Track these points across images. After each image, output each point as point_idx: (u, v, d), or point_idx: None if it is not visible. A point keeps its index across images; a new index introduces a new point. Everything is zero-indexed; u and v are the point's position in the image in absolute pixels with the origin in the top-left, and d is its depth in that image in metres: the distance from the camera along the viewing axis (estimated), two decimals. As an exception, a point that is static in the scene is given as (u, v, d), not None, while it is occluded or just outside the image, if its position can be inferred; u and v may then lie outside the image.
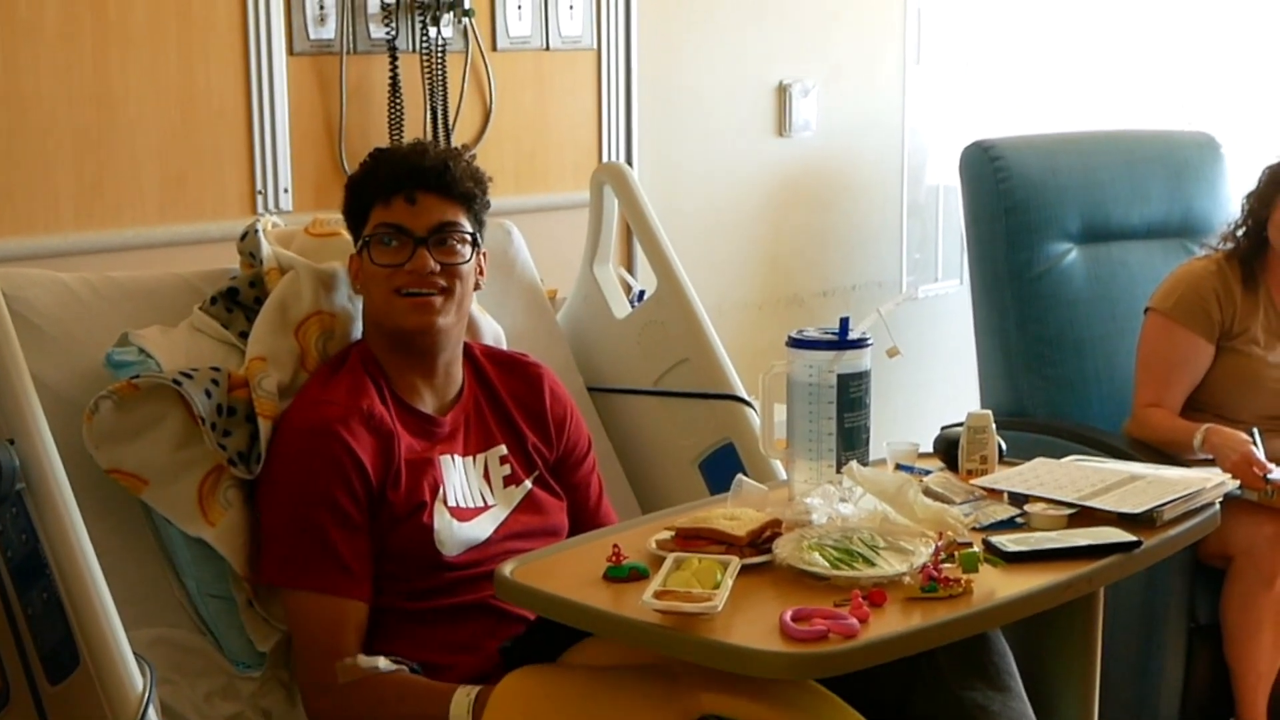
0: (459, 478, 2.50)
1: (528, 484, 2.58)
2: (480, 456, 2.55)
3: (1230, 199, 4.15)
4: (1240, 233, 3.62)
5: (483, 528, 2.49)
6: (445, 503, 2.46)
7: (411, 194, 2.47)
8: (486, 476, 2.55)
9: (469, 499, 2.50)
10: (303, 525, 2.37)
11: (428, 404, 2.53)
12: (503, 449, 2.58)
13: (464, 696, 2.23)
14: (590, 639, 2.17)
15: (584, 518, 2.64)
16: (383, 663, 2.32)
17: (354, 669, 2.31)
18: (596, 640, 2.16)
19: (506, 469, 2.57)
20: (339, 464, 2.36)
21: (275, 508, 2.41)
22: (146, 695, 2.13)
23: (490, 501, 2.53)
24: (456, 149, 2.60)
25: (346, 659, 2.32)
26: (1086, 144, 4.14)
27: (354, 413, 2.41)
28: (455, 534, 2.45)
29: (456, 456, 2.52)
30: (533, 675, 2.17)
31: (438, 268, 2.45)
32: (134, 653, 2.16)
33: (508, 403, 2.62)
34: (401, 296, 2.45)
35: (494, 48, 3.44)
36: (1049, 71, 4.79)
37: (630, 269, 3.62)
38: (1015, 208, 3.91)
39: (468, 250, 2.51)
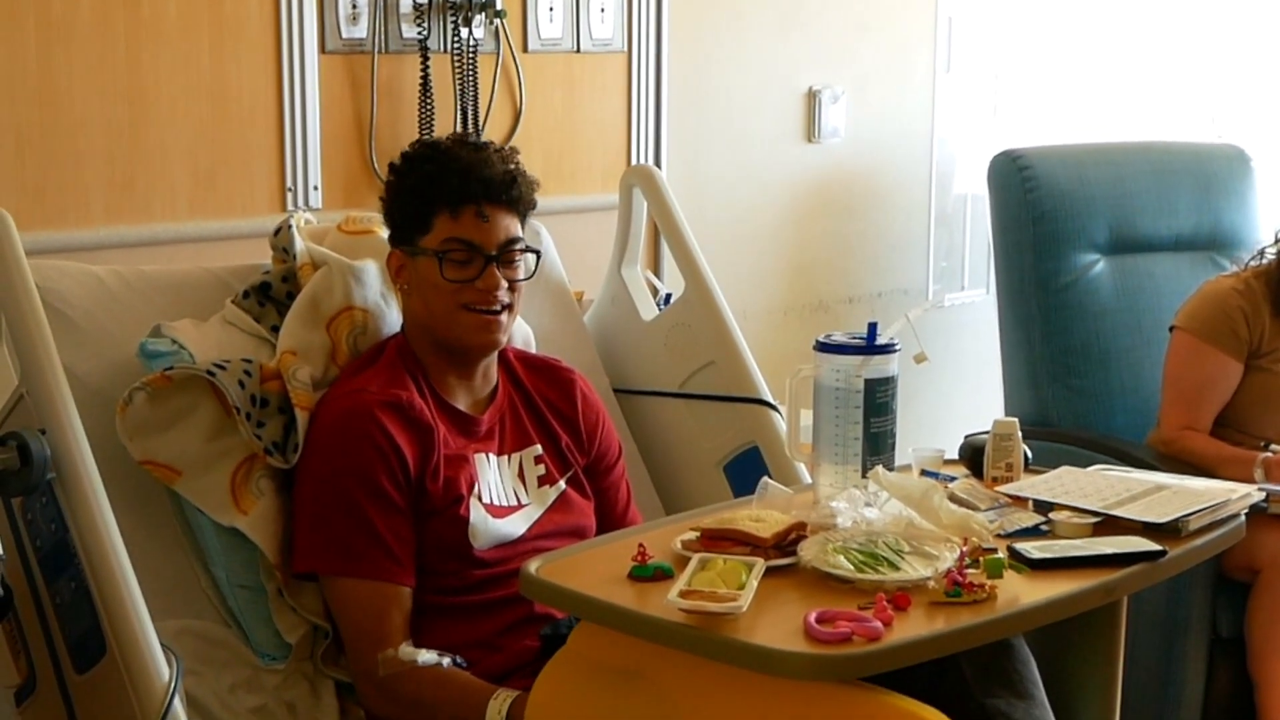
0: (494, 476, 2.51)
1: (562, 484, 2.59)
2: (515, 456, 2.57)
3: (1259, 213, 4.15)
4: (1276, 253, 3.59)
5: (515, 526, 2.50)
6: (480, 499, 2.47)
7: (482, 209, 2.46)
8: (521, 476, 2.56)
9: (503, 497, 2.51)
10: (345, 510, 2.37)
11: (462, 402, 2.55)
12: (538, 449, 2.59)
13: (501, 699, 2.24)
14: None
15: (611, 523, 2.65)
16: (424, 656, 2.31)
17: (395, 661, 2.32)
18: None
19: (541, 469, 2.58)
20: (379, 448, 2.38)
21: (315, 495, 2.41)
22: (172, 685, 2.14)
23: (524, 501, 2.54)
24: (507, 150, 2.58)
25: (388, 650, 2.32)
26: (1115, 155, 4.13)
27: (392, 401, 2.42)
28: (489, 529, 2.46)
29: (492, 455, 2.53)
30: (567, 680, 2.13)
31: (507, 285, 2.47)
32: (160, 643, 2.18)
33: (541, 405, 2.63)
34: (469, 312, 2.46)
35: (525, 49, 3.45)
36: (1079, 82, 4.78)
37: (657, 272, 3.63)
38: (1043, 217, 3.90)
39: (532, 263, 2.53)
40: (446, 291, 2.46)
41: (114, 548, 2.19)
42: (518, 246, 2.50)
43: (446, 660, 2.34)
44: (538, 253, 2.58)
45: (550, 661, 2.14)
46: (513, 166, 2.52)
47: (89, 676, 2.24)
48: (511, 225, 2.50)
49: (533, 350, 2.82)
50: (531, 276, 2.55)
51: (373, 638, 2.35)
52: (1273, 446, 3.38)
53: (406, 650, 2.32)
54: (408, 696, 2.33)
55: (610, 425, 2.73)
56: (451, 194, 2.46)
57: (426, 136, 3.20)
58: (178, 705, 2.14)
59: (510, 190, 2.49)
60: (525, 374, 2.66)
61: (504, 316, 2.48)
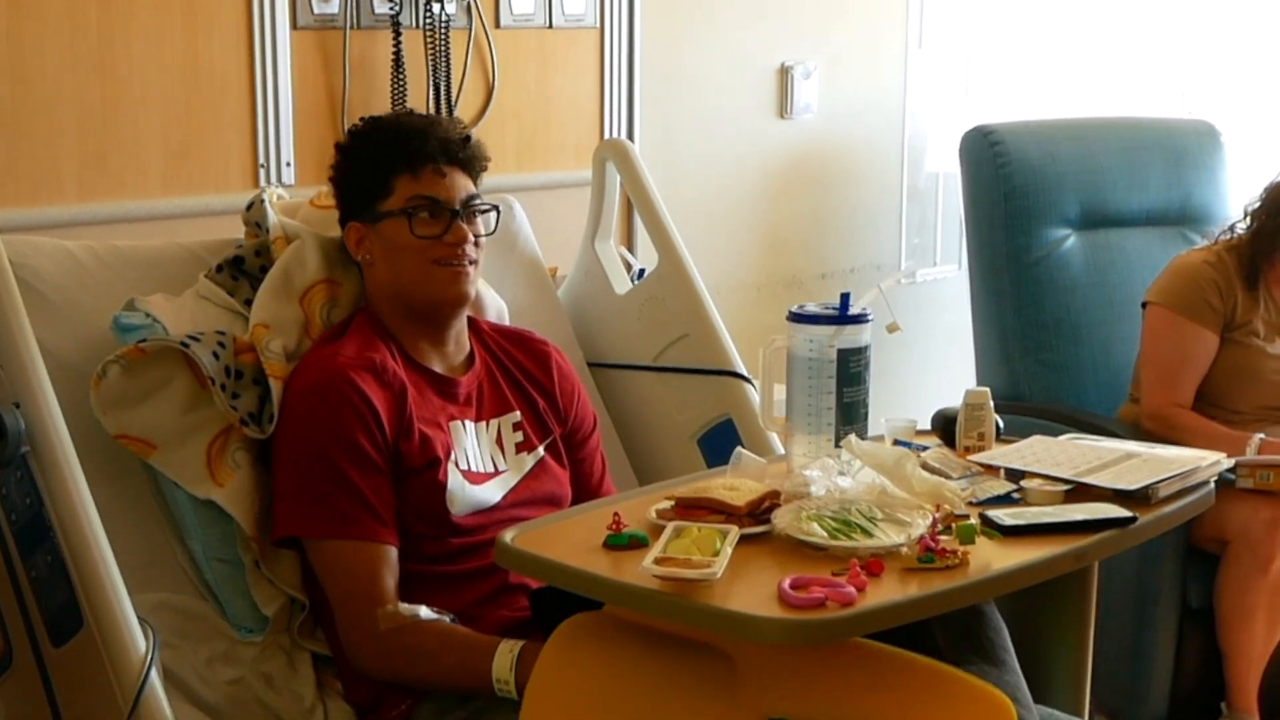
0: (470, 442, 2.52)
1: (540, 450, 2.61)
2: (494, 422, 2.58)
3: (1229, 188, 4.17)
4: (1246, 227, 3.61)
5: (492, 493, 2.51)
6: (458, 465, 2.48)
7: (440, 166, 2.50)
8: (499, 443, 2.57)
9: (480, 464, 2.52)
10: (328, 473, 2.37)
11: (438, 366, 2.56)
12: (516, 415, 2.60)
13: (507, 652, 2.24)
14: None
15: (586, 494, 2.66)
16: (424, 611, 2.32)
17: (396, 616, 2.32)
18: None
19: (520, 435, 2.59)
20: (355, 409, 2.38)
21: (294, 461, 2.41)
22: (149, 659, 2.15)
23: (502, 467, 2.55)
24: (453, 119, 2.63)
25: (388, 606, 2.33)
26: (1086, 130, 4.15)
27: (365, 364, 2.43)
28: (466, 495, 2.47)
29: (468, 422, 2.54)
30: (584, 637, 2.12)
31: (473, 238, 2.50)
32: (137, 616, 2.18)
33: (517, 373, 2.65)
34: (439, 267, 2.48)
35: (497, 25, 3.45)
36: (1050, 58, 4.80)
37: (631, 247, 3.63)
38: (1014, 193, 3.92)
39: (492, 220, 2.58)
40: (415, 250, 2.48)
41: (89, 521, 2.20)
42: (478, 202, 2.54)
43: (448, 617, 2.35)
44: (497, 209, 2.62)
45: (575, 617, 2.12)
46: (463, 128, 2.58)
47: (65, 650, 2.24)
48: (467, 184, 2.54)
49: (506, 324, 2.83)
50: (493, 233, 2.59)
51: (368, 597, 2.34)
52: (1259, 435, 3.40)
53: (406, 607, 2.32)
54: (411, 650, 2.33)
55: (585, 397, 2.74)
56: (411, 155, 2.50)
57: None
58: (154, 678, 2.14)
59: (465, 149, 2.54)
60: (501, 342, 2.67)
61: (471, 270, 2.51)
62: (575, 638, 2.12)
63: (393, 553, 2.39)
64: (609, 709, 2.07)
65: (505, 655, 2.25)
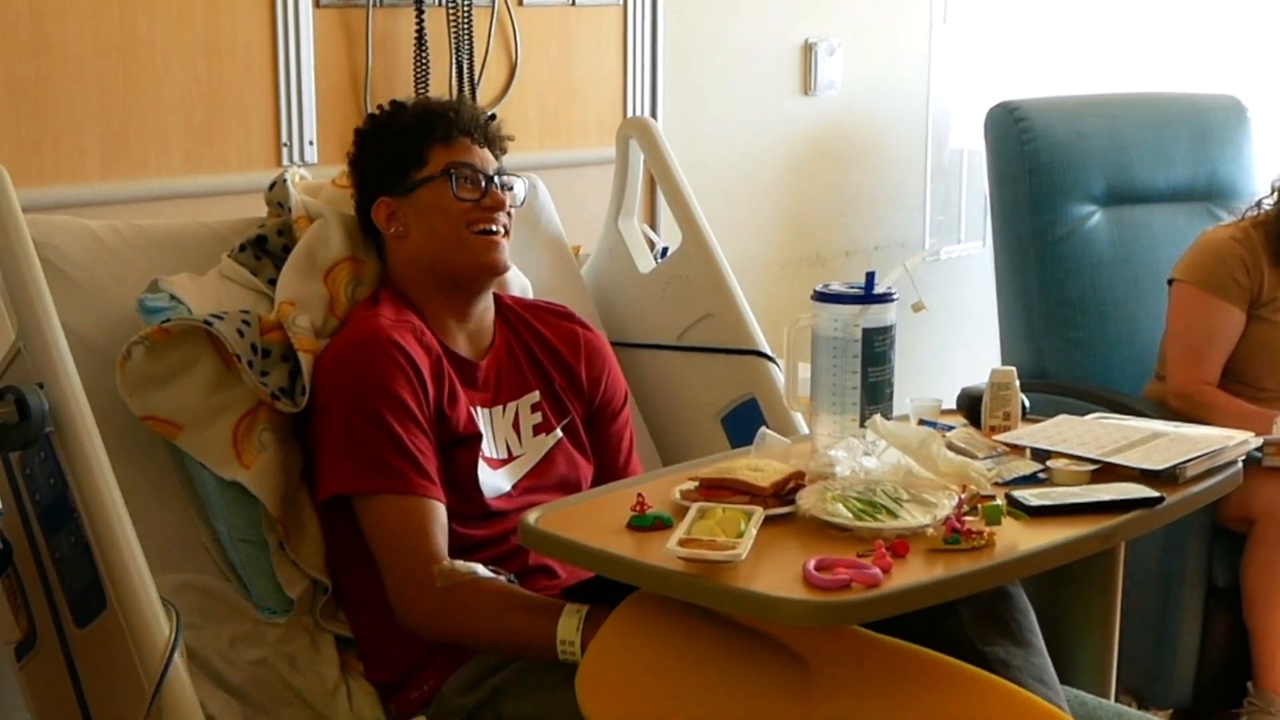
0: (485, 429, 2.51)
1: (558, 431, 2.59)
2: (511, 405, 2.56)
3: (1255, 164, 4.14)
4: (1273, 203, 3.59)
5: (504, 479, 2.50)
6: (482, 451, 2.47)
7: (474, 137, 2.55)
8: (516, 426, 2.56)
9: (494, 450, 2.51)
10: (372, 428, 2.35)
11: (461, 347, 2.55)
12: (535, 395, 2.59)
13: (574, 614, 2.18)
14: None
15: (611, 473, 2.64)
16: (481, 569, 2.28)
17: (453, 574, 2.26)
18: None
19: (538, 417, 2.58)
20: (398, 364, 2.37)
21: (338, 421, 2.39)
22: (172, 639, 2.14)
23: (517, 451, 2.54)
24: (473, 102, 2.70)
25: (445, 563, 2.28)
26: (1112, 106, 4.13)
27: (405, 325, 2.44)
28: (489, 479, 2.46)
29: (483, 409, 2.53)
30: (654, 608, 2.08)
31: (509, 203, 2.53)
32: (161, 597, 2.18)
33: (538, 350, 2.63)
34: (476, 234, 2.50)
35: (520, 3, 3.44)
36: (1075, 33, 4.77)
37: (654, 225, 3.62)
38: (1039, 169, 3.90)
39: (521, 193, 2.60)
40: (455, 214, 2.50)
41: (113, 502, 2.19)
42: (506, 176, 2.58)
43: (505, 576, 2.32)
44: (525, 180, 2.68)
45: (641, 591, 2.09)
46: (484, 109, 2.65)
47: (89, 631, 2.24)
48: (493, 160, 2.58)
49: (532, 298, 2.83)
50: (520, 205, 2.62)
51: (422, 552, 2.30)
52: None
53: (463, 564, 2.28)
54: (470, 607, 2.27)
55: (617, 372, 2.73)
56: (445, 127, 2.53)
57: (423, 91, 3.21)
58: (178, 659, 2.14)
59: (490, 127, 2.59)
60: (525, 316, 2.66)
61: (505, 240, 2.54)
62: (646, 607, 2.09)
63: (443, 510, 2.36)
64: (667, 683, 2.05)
65: (572, 616, 2.18)
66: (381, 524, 2.35)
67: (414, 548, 2.32)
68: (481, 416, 2.52)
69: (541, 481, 2.54)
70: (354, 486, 2.37)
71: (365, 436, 2.35)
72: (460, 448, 2.43)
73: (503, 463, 2.52)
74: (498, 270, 2.54)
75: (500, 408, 2.55)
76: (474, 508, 2.44)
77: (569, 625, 2.18)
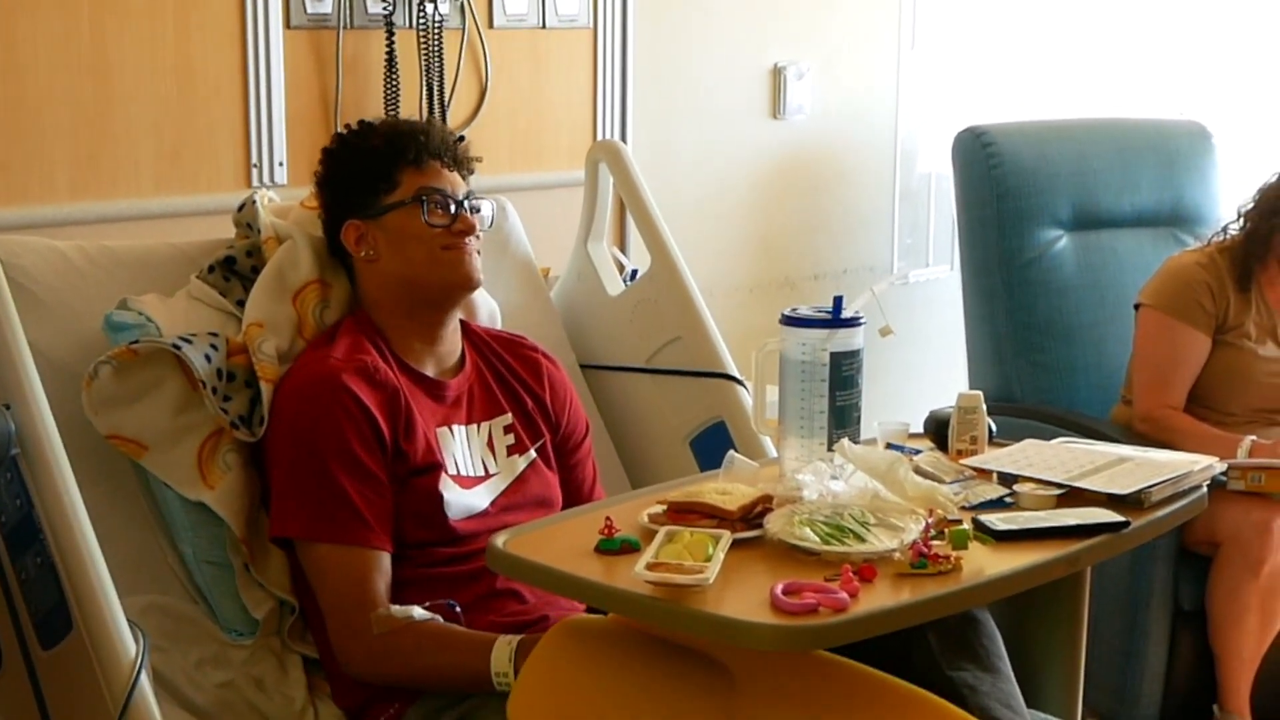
0: (459, 448, 2.51)
1: (532, 453, 2.60)
2: (485, 425, 2.57)
3: (1220, 189, 4.17)
4: (1239, 228, 3.61)
5: (481, 497, 2.50)
6: (447, 471, 2.47)
7: (443, 160, 2.56)
8: (490, 445, 2.57)
9: (470, 468, 2.52)
10: (318, 477, 2.37)
11: (429, 369, 2.56)
12: (508, 418, 2.60)
13: (505, 646, 2.24)
14: None
15: (577, 501, 2.65)
16: (417, 612, 2.31)
17: (389, 620, 2.31)
18: None
19: (511, 438, 2.59)
20: (347, 411, 2.38)
21: (285, 463, 2.41)
22: (139, 662, 2.14)
23: (492, 470, 2.55)
24: (441, 124, 2.69)
25: (380, 610, 2.32)
26: (1079, 131, 4.16)
27: (356, 365, 2.43)
28: (459, 500, 2.46)
29: (458, 426, 2.53)
30: (582, 634, 2.12)
31: (478, 226, 2.54)
32: (127, 619, 2.17)
33: (509, 376, 2.65)
34: (449, 251, 2.51)
35: (490, 25, 3.44)
36: (1042, 59, 4.79)
37: (623, 248, 3.63)
38: (1007, 194, 3.92)
39: (489, 214, 2.61)
40: (427, 238, 2.50)
41: (79, 523, 2.19)
42: (475, 199, 2.58)
43: (443, 613, 2.34)
44: (493, 203, 2.68)
45: (574, 615, 2.11)
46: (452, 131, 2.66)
47: (55, 653, 2.23)
48: (461, 184, 2.58)
49: (499, 326, 2.83)
50: (490, 226, 2.64)
51: (357, 602, 2.34)
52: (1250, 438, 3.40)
53: (399, 609, 2.32)
54: (406, 650, 2.32)
55: (578, 404, 2.74)
56: (415, 150, 2.53)
57: (393, 113, 3.21)
58: (144, 681, 2.13)
59: (459, 149, 2.60)
60: (493, 346, 2.67)
61: (477, 254, 2.55)
62: (573, 634, 2.11)
63: (385, 558, 2.39)
64: (598, 706, 2.06)
65: (504, 648, 2.24)
66: (322, 572, 2.38)
67: (353, 597, 2.35)
68: (457, 434, 2.52)
69: (518, 499, 2.55)
70: (295, 532, 2.40)
71: (309, 486, 2.38)
72: (420, 477, 2.44)
73: (479, 480, 2.52)
74: (472, 284, 2.55)
75: (475, 426, 2.56)
76: (438, 532, 2.44)
77: (501, 657, 2.23)
